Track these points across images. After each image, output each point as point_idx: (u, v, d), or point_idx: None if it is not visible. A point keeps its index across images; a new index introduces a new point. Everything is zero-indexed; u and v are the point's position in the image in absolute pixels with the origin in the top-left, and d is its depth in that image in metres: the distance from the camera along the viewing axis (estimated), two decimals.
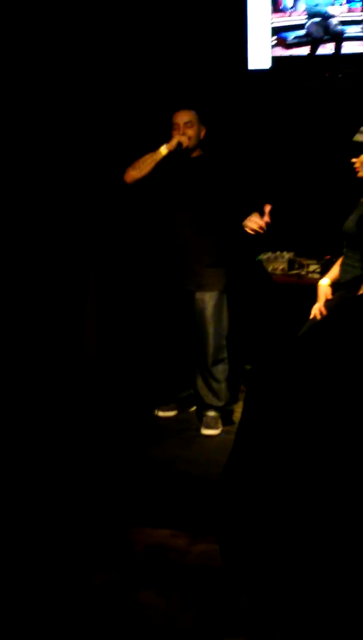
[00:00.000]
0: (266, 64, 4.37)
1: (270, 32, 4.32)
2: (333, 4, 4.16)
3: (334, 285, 3.54)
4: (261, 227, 3.69)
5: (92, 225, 4.50)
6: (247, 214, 3.74)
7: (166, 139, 3.76)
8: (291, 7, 4.27)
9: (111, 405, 4.12)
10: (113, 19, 4.39)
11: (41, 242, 4.30)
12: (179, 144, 3.72)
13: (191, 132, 3.77)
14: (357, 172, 3.27)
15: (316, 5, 4.20)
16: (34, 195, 4.26)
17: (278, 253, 4.42)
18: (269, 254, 4.43)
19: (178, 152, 3.74)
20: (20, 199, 4.22)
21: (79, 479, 3.28)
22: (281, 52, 4.34)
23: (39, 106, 4.24)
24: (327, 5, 4.17)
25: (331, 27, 4.21)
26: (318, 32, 4.24)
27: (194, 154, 3.85)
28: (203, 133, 3.84)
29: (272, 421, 2.20)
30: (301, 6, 4.23)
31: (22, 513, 2.99)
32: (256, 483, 2.20)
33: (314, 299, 3.55)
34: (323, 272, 4.25)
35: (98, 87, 4.44)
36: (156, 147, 3.74)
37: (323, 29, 4.23)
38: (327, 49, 4.26)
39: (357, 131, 3.27)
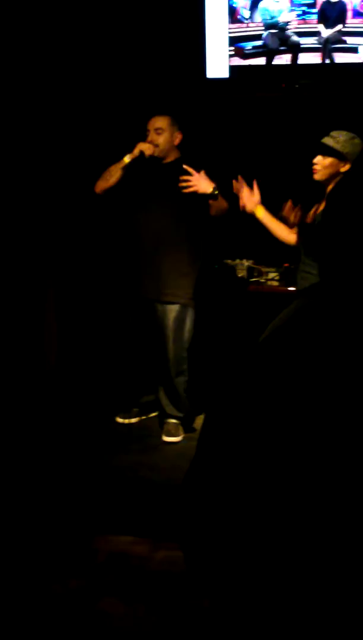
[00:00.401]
0: (224, 73, 4.42)
1: (227, 41, 4.37)
2: (288, 15, 4.22)
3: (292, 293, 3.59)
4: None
5: (52, 229, 4.49)
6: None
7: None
8: (248, 18, 4.33)
9: (71, 412, 4.11)
10: (78, 28, 4.41)
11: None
12: (142, 151, 3.68)
13: (160, 138, 3.72)
14: (314, 173, 3.31)
15: (272, 17, 4.26)
16: None
17: (237, 261, 4.46)
18: (228, 262, 4.47)
19: (147, 159, 3.69)
20: None
21: (41, 486, 3.27)
22: (239, 61, 4.39)
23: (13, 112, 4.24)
24: (282, 16, 4.23)
25: (287, 38, 4.28)
26: (274, 43, 4.30)
27: (169, 159, 3.79)
28: (177, 139, 3.78)
29: (232, 428, 2.23)
30: (258, 17, 4.29)
31: None
32: (217, 489, 2.22)
33: (274, 306, 3.58)
34: (282, 280, 4.32)
35: (67, 94, 4.44)
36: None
37: (280, 40, 4.30)
38: (284, 59, 4.32)
39: (317, 138, 3.31)
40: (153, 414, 4.15)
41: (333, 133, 3.31)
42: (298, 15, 4.23)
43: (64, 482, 3.32)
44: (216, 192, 3.64)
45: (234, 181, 3.58)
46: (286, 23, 4.25)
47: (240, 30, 4.36)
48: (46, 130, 4.42)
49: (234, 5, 4.32)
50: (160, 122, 3.75)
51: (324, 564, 2.10)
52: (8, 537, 2.88)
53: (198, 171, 3.67)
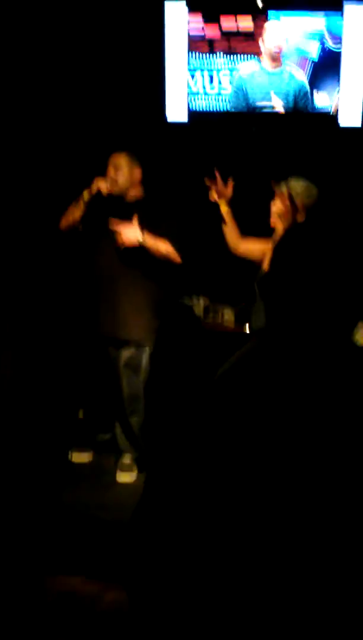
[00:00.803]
0: (183, 118, 4.51)
1: (186, 85, 4.47)
2: None
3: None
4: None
5: (14, 261, 4.48)
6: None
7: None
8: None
9: (24, 447, 4.07)
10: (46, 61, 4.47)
11: None
12: (98, 189, 3.66)
13: (118, 175, 3.70)
14: (270, 217, 3.40)
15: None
16: None
17: (194, 298, 4.49)
18: (185, 299, 4.50)
19: (106, 196, 3.67)
20: None
21: None
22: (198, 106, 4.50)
23: None
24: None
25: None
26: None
27: (129, 197, 3.78)
28: (136, 175, 3.76)
29: (180, 468, 2.24)
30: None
31: None
32: (162, 530, 2.23)
33: (229, 345, 3.60)
34: (238, 320, 4.36)
35: (32, 128, 4.47)
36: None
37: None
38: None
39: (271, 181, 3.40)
40: (108, 454, 4.12)
41: (290, 179, 3.40)
42: None
43: (14, 518, 3.29)
44: (142, 240, 3.61)
45: (206, 178, 3.72)
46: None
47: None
48: (11, 162, 4.43)
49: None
50: (118, 158, 3.74)
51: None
52: None
53: (154, 209, 3.72)
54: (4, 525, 3.22)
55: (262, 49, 4.34)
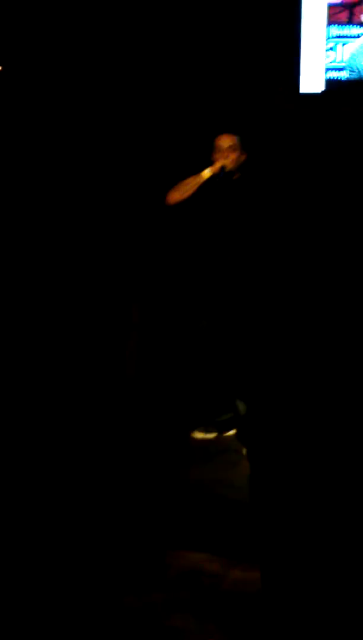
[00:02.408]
0: (319, 87, 4.35)
1: (324, 55, 4.31)
2: None
3: None
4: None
5: (135, 247, 4.50)
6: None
7: (205, 162, 3.81)
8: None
9: (150, 425, 4.08)
10: (161, 40, 4.43)
11: (83, 262, 4.32)
12: (223, 167, 3.78)
13: (233, 155, 3.82)
14: None
15: None
16: (78, 219, 4.29)
17: None
18: None
19: (220, 176, 3.79)
20: (65, 224, 4.26)
21: (117, 498, 3.23)
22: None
23: (81, 130, 4.29)
24: None
25: None
26: None
27: (234, 177, 3.88)
28: (243, 158, 3.87)
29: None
30: None
31: (57, 531, 2.95)
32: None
33: None
34: None
35: (145, 108, 4.47)
36: (197, 170, 3.81)
37: None
38: None
39: None
40: (231, 432, 4.07)
41: None
42: None
43: (140, 495, 3.28)
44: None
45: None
46: None
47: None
48: (128, 142, 4.45)
49: None
50: (232, 140, 3.84)
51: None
52: (82, 548, 2.85)
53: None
54: (131, 500, 3.22)
55: None
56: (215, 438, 4.01)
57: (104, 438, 3.86)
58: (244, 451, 3.80)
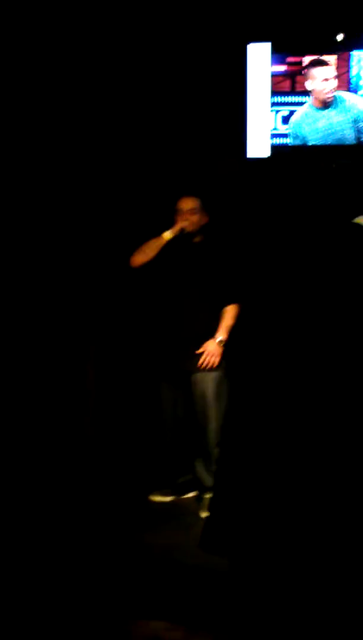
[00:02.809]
0: (265, 153, 4.49)
1: (269, 121, 4.45)
2: None
3: None
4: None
5: (93, 300, 4.53)
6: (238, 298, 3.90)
7: (169, 224, 3.92)
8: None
9: (106, 487, 4.05)
10: (125, 113, 4.54)
11: (43, 314, 4.32)
12: (182, 229, 3.90)
13: (193, 218, 3.93)
14: None
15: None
16: (38, 262, 4.33)
17: None
18: None
19: (180, 237, 3.92)
20: (25, 265, 4.29)
21: (72, 564, 3.20)
22: (279, 140, 4.46)
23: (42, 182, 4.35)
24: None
25: None
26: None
27: (196, 240, 3.99)
28: (204, 220, 3.99)
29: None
30: None
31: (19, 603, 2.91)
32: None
33: None
34: None
35: (104, 170, 4.55)
36: (160, 232, 3.92)
37: None
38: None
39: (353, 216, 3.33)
40: (189, 495, 4.06)
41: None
42: None
43: (96, 560, 3.24)
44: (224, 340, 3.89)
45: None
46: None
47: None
48: (88, 198, 4.51)
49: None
50: (192, 203, 3.97)
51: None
52: (41, 619, 2.81)
53: (219, 252, 3.98)
54: (87, 566, 3.18)
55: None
56: (173, 501, 4.00)
57: (62, 498, 3.82)
58: (202, 515, 3.80)
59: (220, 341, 3.86)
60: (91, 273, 4.51)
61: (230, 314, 3.91)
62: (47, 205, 4.40)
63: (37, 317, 4.32)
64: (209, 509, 3.06)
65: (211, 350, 3.84)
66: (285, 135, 4.45)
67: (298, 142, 4.42)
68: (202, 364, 3.83)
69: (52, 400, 4.35)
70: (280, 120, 4.45)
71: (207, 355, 3.83)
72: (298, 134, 4.42)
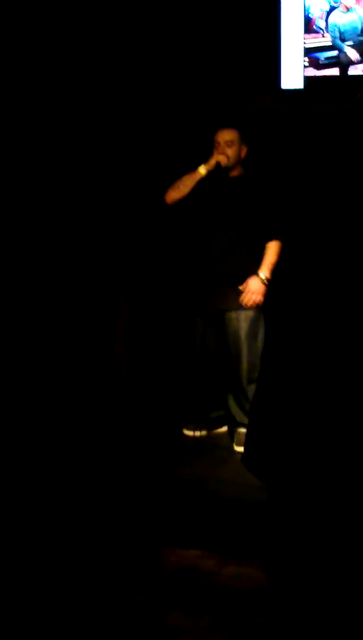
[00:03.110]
0: (299, 84, 4.38)
1: (302, 52, 4.33)
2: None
3: None
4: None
5: (126, 240, 4.51)
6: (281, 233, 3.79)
7: (209, 157, 3.78)
8: (324, 28, 4.29)
9: (141, 422, 4.10)
10: (152, 40, 4.43)
11: (73, 255, 4.32)
12: (218, 163, 3.74)
13: (231, 151, 3.78)
14: None
15: (341, 32, 4.22)
16: (68, 210, 4.30)
17: None
18: None
19: (217, 171, 3.75)
20: (57, 214, 4.27)
21: (109, 496, 3.27)
22: (313, 72, 4.34)
23: (82, 120, 4.29)
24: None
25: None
26: (349, 55, 4.25)
27: (234, 173, 3.85)
28: (244, 152, 3.83)
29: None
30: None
31: (52, 530, 2.98)
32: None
33: None
34: None
35: (144, 107, 4.47)
36: (197, 166, 3.78)
37: (356, 50, 4.24)
38: (359, 69, 4.26)
39: None
40: (221, 430, 4.10)
41: None
42: None
43: (132, 494, 3.31)
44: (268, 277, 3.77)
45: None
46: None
47: (315, 41, 4.32)
48: (118, 141, 4.45)
49: (310, 15, 4.29)
50: (230, 134, 3.79)
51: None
52: (78, 549, 2.89)
53: (261, 186, 3.83)
54: (123, 498, 3.25)
55: None
56: (206, 435, 4.05)
57: (96, 433, 3.88)
58: (235, 448, 3.85)
59: (264, 278, 3.75)
60: (124, 208, 4.48)
61: (272, 250, 3.78)
62: (79, 142, 4.35)
63: (70, 254, 4.33)
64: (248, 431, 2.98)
65: (255, 289, 3.74)
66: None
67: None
68: (243, 300, 3.75)
69: (85, 335, 4.39)
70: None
71: (249, 292, 3.74)
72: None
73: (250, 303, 3.75)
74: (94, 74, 4.33)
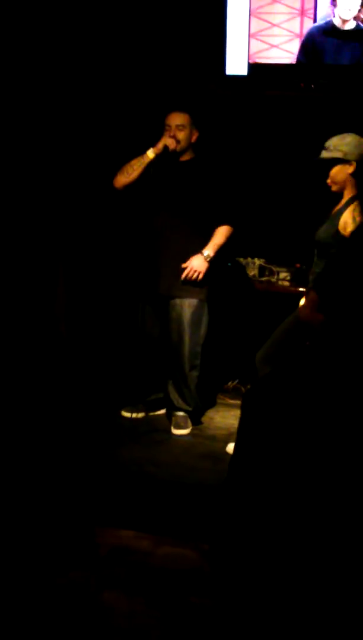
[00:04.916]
0: (243, 70, 4.41)
1: (247, 38, 4.36)
2: None
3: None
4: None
5: (68, 221, 4.48)
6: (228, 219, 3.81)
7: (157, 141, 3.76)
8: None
9: (77, 403, 4.10)
10: (104, 24, 4.40)
11: (14, 233, 4.28)
12: (166, 147, 3.71)
13: (181, 134, 3.75)
14: (331, 187, 3.32)
15: None
16: (12, 188, 4.26)
17: (249, 259, 4.46)
18: (240, 260, 4.47)
19: (166, 155, 3.73)
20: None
21: (43, 477, 3.27)
22: (258, 59, 4.38)
23: (32, 105, 4.24)
24: None
25: None
26: None
27: (185, 157, 3.83)
28: (194, 137, 3.81)
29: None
30: None
31: None
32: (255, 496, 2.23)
33: (284, 306, 3.59)
34: (293, 280, 4.31)
35: (90, 89, 4.44)
36: (145, 150, 3.75)
37: None
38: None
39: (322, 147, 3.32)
40: (159, 412, 4.14)
41: (327, 143, 3.30)
42: None
43: (67, 473, 3.32)
44: (211, 256, 3.77)
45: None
46: None
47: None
48: (65, 123, 4.42)
49: None
50: (181, 118, 3.77)
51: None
52: (9, 529, 2.89)
53: (211, 170, 3.80)
54: (58, 479, 3.25)
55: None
56: (143, 417, 4.08)
57: (35, 411, 3.87)
58: (173, 431, 3.89)
59: (207, 256, 3.75)
60: (71, 190, 4.46)
61: (221, 232, 3.78)
62: (30, 122, 4.29)
63: (8, 234, 4.28)
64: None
65: (196, 265, 3.74)
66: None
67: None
68: (185, 275, 3.74)
69: (24, 314, 4.36)
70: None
71: (191, 270, 3.74)
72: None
73: (191, 278, 3.74)
74: (45, 61, 4.29)
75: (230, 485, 2.43)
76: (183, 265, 3.76)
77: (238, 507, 2.29)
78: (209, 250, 3.77)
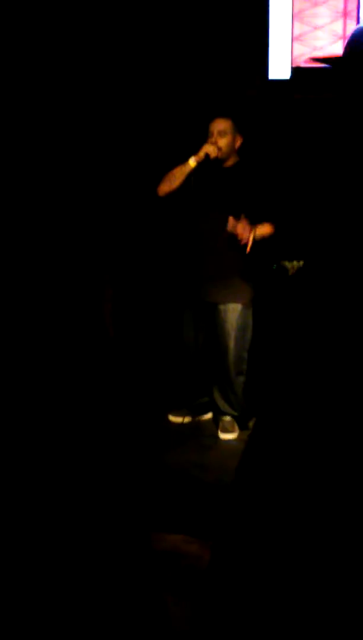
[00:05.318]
0: (286, 74, 4.41)
1: (290, 42, 4.36)
2: None
3: None
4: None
5: (115, 230, 4.52)
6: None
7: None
8: None
9: (125, 408, 4.13)
10: (145, 34, 4.44)
11: (58, 244, 4.33)
12: (207, 154, 3.67)
13: (223, 141, 3.71)
14: None
15: None
16: (59, 198, 4.31)
17: (294, 262, 4.43)
18: (285, 263, 4.45)
19: (207, 163, 3.69)
20: (46, 201, 4.27)
21: (91, 480, 3.29)
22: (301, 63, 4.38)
23: (76, 111, 4.29)
24: None
25: None
26: None
27: (228, 163, 3.80)
28: (238, 142, 3.78)
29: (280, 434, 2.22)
30: None
31: (33, 516, 3.01)
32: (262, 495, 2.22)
33: None
34: None
35: (136, 96, 4.47)
36: (188, 157, 3.73)
37: None
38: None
39: None
40: (205, 416, 4.15)
41: None
42: None
43: (115, 478, 3.34)
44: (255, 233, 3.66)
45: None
46: None
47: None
48: (113, 132, 4.46)
49: None
50: (224, 124, 3.74)
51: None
52: (61, 533, 2.91)
53: (255, 175, 3.77)
54: (106, 483, 3.28)
55: None
56: (190, 421, 4.09)
57: (84, 419, 3.90)
58: (220, 436, 3.89)
59: (253, 228, 3.62)
60: (116, 198, 4.49)
61: (267, 226, 3.70)
62: (73, 132, 4.35)
63: (58, 242, 4.34)
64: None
65: (242, 227, 3.60)
66: None
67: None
68: (242, 240, 3.59)
69: (74, 320, 4.40)
70: None
71: (239, 229, 3.59)
72: None
73: (242, 240, 3.60)
74: (88, 68, 4.34)
75: (236, 486, 2.42)
76: (228, 229, 3.64)
77: (240, 508, 2.28)
78: (257, 228, 3.65)
